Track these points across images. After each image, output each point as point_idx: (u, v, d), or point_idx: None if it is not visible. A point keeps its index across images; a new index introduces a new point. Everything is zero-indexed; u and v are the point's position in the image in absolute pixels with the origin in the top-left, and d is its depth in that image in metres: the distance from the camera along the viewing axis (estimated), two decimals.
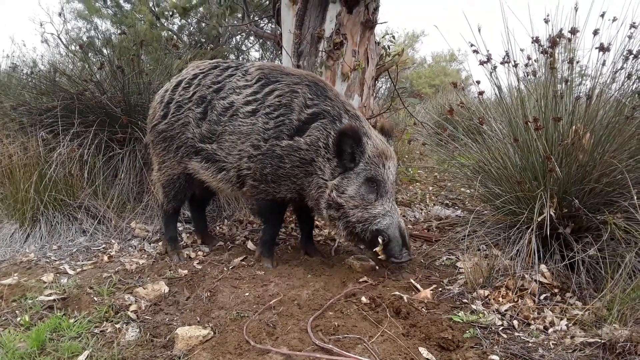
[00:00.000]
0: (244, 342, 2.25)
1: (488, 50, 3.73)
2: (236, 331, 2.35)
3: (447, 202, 4.74)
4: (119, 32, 11.78)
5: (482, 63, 3.72)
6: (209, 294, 2.81)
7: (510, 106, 3.60)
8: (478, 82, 3.92)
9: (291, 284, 2.95)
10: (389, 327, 2.41)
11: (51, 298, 2.72)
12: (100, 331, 2.40)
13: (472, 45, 3.71)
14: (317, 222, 4.18)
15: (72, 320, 2.48)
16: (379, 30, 5.28)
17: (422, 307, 2.66)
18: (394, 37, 6.31)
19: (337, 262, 3.34)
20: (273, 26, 8.88)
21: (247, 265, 3.29)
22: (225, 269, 3.20)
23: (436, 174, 5.64)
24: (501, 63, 3.65)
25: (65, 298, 2.72)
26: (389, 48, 6.01)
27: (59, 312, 2.57)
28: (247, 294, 2.80)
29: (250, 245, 3.69)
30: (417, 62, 20.20)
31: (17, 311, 2.60)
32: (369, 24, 5.24)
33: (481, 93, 3.92)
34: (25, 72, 7.37)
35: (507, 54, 3.61)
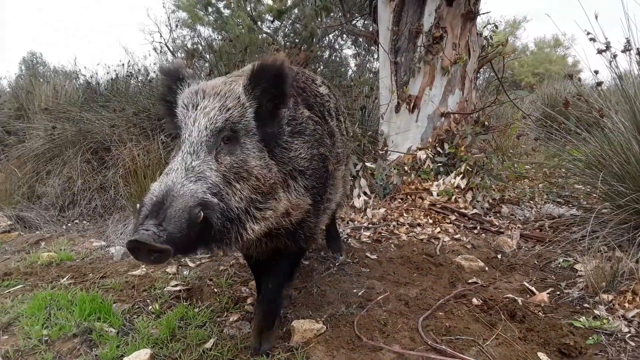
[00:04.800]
0: (355, 337, 2.31)
1: (607, 38, 3.49)
2: (347, 327, 2.42)
3: (560, 199, 4.44)
4: (219, 37, 12.52)
5: (600, 52, 3.50)
6: (317, 289, 2.91)
7: (634, 97, 3.30)
8: (596, 72, 3.69)
9: (397, 282, 2.97)
10: (504, 331, 2.34)
11: (177, 289, 2.98)
12: (223, 320, 2.58)
13: (588, 33, 3.51)
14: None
15: (196, 310, 2.69)
16: (479, 20, 5.08)
17: (539, 311, 2.55)
18: (496, 26, 6.04)
19: (443, 261, 3.29)
20: (366, 22, 8.89)
21: (352, 262, 3.35)
22: (331, 265, 3.29)
23: (545, 169, 5.31)
24: (622, 51, 3.40)
25: (189, 289, 2.97)
26: (491, 38, 5.77)
27: (185, 302, 2.80)
28: (354, 290, 2.86)
29: (353, 242, 3.76)
30: (519, 50, 19.08)
31: (147, 300, 2.88)
32: (470, 16, 5.07)
33: (599, 84, 3.68)
34: (140, 79, 8.11)
35: (628, 41, 3.34)
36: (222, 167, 1.79)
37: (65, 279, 3.15)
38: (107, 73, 8.39)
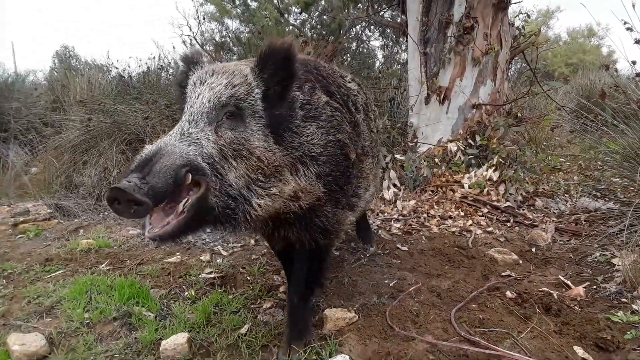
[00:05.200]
0: (387, 327, 2.32)
1: None
2: (379, 316, 2.43)
3: (596, 193, 4.34)
4: (247, 30, 12.59)
5: (638, 42, 3.43)
6: (349, 279, 2.93)
7: None
8: (634, 63, 3.60)
9: (429, 274, 2.96)
10: (539, 324, 2.31)
11: (211, 276, 3.04)
12: (256, 307, 2.63)
13: (625, 22, 3.44)
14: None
15: (230, 297, 2.75)
16: (510, 9, 5.02)
17: (575, 305, 2.51)
18: (528, 16, 5.90)
19: (476, 253, 3.26)
20: (394, 13, 8.80)
21: (382, 253, 3.35)
22: (362, 255, 3.30)
23: (581, 162, 5.19)
24: None
25: (223, 276, 3.03)
26: (523, 28, 5.65)
27: (219, 289, 2.86)
28: (386, 281, 2.87)
29: (383, 234, 3.76)
30: (552, 40, 18.58)
31: (183, 286, 2.95)
32: (502, 5, 4.98)
33: (639, 74, 3.58)
34: (170, 72, 8.24)
35: None
36: (220, 140, 1.71)
37: (104, 265, 3.26)
38: (139, 66, 8.56)
